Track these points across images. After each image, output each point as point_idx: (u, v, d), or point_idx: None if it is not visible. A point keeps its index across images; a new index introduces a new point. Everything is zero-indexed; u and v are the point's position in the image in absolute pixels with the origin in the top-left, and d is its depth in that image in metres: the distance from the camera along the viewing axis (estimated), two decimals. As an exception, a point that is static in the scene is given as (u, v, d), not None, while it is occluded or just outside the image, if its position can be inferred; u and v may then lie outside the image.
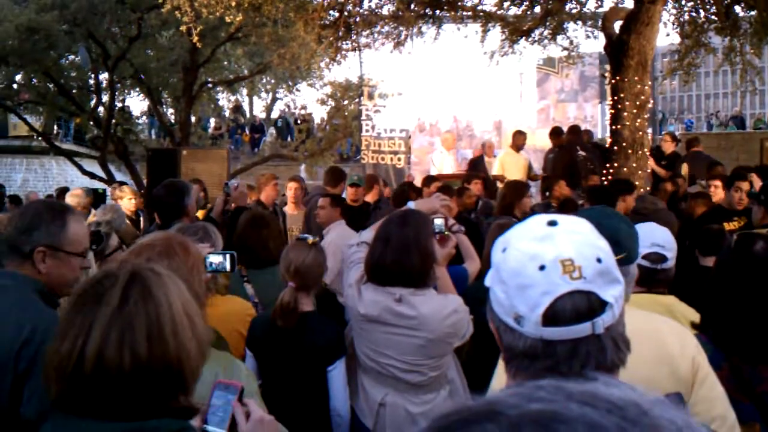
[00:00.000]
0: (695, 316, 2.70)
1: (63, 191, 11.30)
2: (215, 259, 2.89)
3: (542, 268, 1.23)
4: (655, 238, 2.93)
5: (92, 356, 1.47)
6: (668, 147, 11.11)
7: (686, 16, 10.63)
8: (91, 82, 18.15)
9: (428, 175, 10.25)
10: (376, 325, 3.23)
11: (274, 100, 34.44)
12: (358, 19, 10.56)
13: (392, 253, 3.18)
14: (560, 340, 1.23)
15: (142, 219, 8.55)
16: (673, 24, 10.76)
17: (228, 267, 2.90)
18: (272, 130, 29.43)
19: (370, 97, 15.28)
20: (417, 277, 3.19)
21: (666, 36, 19.50)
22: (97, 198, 8.91)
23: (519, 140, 11.48)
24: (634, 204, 6.50)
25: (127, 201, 8.22)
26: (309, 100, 49.68)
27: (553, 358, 1.24)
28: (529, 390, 0.58)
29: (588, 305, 1.23)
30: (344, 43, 10.95)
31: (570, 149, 10.56)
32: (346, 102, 18.65)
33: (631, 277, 2.15)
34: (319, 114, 22.16)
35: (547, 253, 1.24)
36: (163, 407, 1.52)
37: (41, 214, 2.53)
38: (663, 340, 2.03)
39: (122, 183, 11.16)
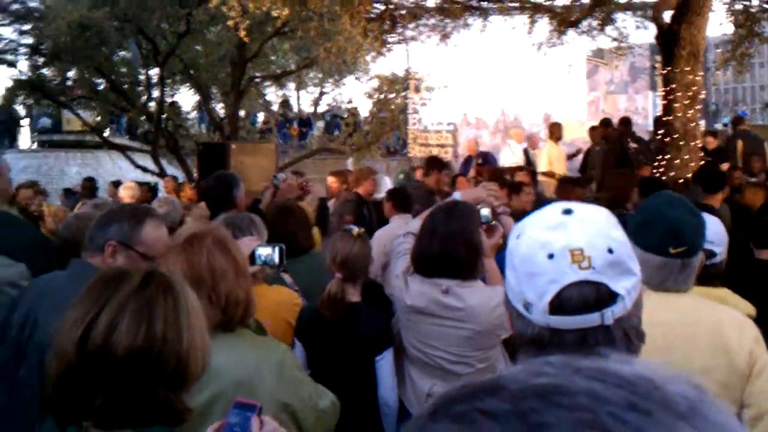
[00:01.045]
0: (749, 309, 2.64)
1: (116, 184, 11.52)
2: (264, 251, 2.90)
3: (551, 256, 1.23)
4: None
5: (104, 327, 1.43)
6: (710, 145, 10.97)
7: (739, 5, 10.39)
8: (142, 77, 18.46)
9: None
10: (422, 317, 3.22)
11: (321, 94, 34.62)
12: (403, 12, 10.56)
13: (438, 244, 3.16)
14: (568, 329, 1.23)
15: None
16: (726, 13, 10.52)
17: (276, 260, 2.91)
18: (320, 124, 29.60)
19: (417, 90, 15.27)
20: (463, 268, 3.17)
21: (719, 25, 19.04)
22: (149, 191, 9.03)
23: (558, 132, 11.70)
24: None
25: None
26: (355, 93, 49.81)
27: (560, 346, 1.24)
28: (537, 366, 0.57)
29: (596, 296, 1.22)
30: (390, 36, 10.96)
31: (621, 141, 10.46)
32: (392, 95, 18.64)
33: (693, 268, 2.15)
34: (366, 107, 22.18)
35: (557, 242, 1.23)
36: (158, 405, 1.47)
37: (121, 212, 2.64)
38: (722, 330, 2.02)
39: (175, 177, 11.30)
